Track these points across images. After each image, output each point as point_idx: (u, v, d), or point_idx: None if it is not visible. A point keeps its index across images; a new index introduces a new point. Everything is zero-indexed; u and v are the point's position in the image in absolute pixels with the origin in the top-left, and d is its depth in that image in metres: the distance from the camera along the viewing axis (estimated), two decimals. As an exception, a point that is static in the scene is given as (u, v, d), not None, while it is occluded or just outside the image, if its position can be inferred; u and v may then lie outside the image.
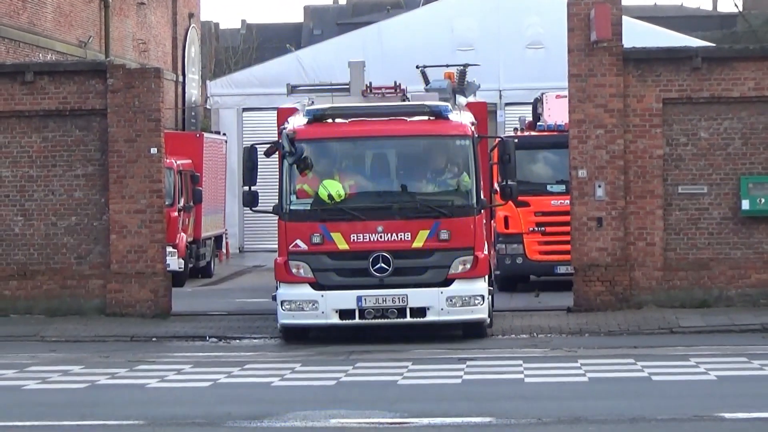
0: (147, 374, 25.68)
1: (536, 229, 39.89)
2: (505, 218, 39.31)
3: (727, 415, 19.09)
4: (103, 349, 30.14)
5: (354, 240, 26.68)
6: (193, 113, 66.79)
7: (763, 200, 33.19)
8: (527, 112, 46.14)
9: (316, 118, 28.33)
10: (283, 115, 30.47)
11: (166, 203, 37.39)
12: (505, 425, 18.88)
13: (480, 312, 27.48)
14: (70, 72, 37.24)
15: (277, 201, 28.18)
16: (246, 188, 28.86)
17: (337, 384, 23.75)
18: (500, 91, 53.12)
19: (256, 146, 29.18)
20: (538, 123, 42.20)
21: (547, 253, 39.74)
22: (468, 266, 26.72)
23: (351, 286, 27.00)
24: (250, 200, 28.92)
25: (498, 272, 38.57)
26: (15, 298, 35.14)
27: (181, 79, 65.37)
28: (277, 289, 29.15)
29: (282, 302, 27.51)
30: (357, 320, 27.10)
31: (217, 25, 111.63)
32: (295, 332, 29.35)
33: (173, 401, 22.55)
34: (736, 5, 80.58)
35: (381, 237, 26.51)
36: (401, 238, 26.47)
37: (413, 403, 21.30)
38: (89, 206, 35.25)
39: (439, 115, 27.39)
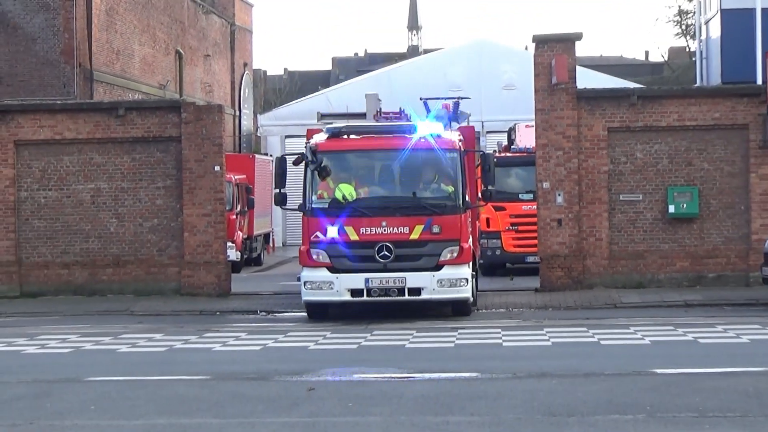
0: (212, 340, 25.72)
1: (511, 228, 40.24)
2: (487, 219, 39.64)
3: (659, 371, 19.27)
4: (178, 321, 30.08)
5: (363, 232, 27.13)
6: (246, 140, 66.72)
7: (684, 205, 33.18)
8: (503, 138, 46.04)
9: (334, 134, 28.90)
10: (311, 134, 30.61)
11: (227, 208, 37.34)
12: (487, 379, 18.95)
13: (464, 292, 27.73)
14: (152, 108, 37.19)
15: (301, 201, 28.45)
16: (277, 190, 29.34)
17: (359, 347, 23.84)
18: (482, 122, 52.87)
19: (286, 157, 29.51)
20: (512, 146, 42.50)
21: (520, 246, 39.98)
22: (455, 254, 27.17)
23: (360, 269, 27.24)
24: (280, 200, 29.40)
25: (481, 261, 38.47)
26: (110, 282, 35.05)
27: (238, 113, 65.25)
28: (301, 272, 29.24)
29: (305, 283, 27.82)
30: (365, 298, 27.35)
31: (265, 72, 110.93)
32: (316, 309, 29.05)
33: (232, 361, 22.62)
34: (663, 56, 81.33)
35: (385, 230, 27.05)
36: (401, 231, 27.03)
37: (417, 362, 21.30)
38: (168, 211, 35.15)
39: (425, 134, 27.83)
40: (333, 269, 27.33)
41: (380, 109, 33.56)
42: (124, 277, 35.24)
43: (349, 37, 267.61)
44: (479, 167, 30.61)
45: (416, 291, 27.28)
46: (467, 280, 27.54)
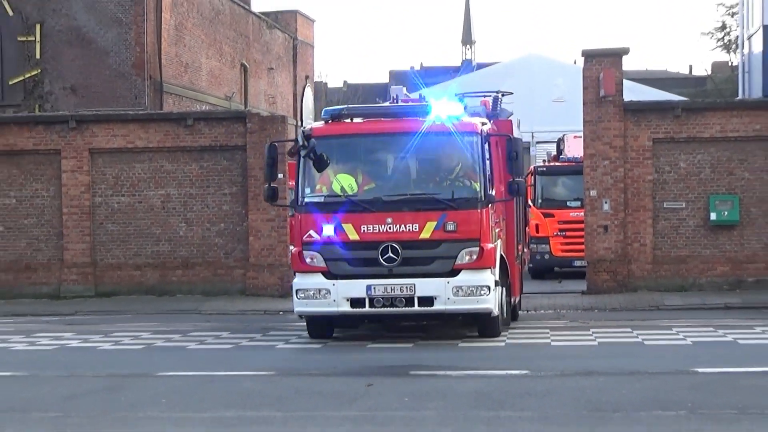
0: (276, 338, 25.66)
1: (559, 233, 40.21)
2: (536, 225, 39.61)
3: (700, 370, 19.19)
4: (243, 320, 30.20)
5: (364, 231, 21.46)
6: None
7: (726, 213, 33.19)
8: (553, 148, 46.11)
9: (334, 116, 23.48)
10: None
11: (289, 214, 37.31)
12: (537, 376, 18.87)
13: (486, 302, 21.85)
14: (219, 118, 37.37)
15: (293, 196, 23.61)
16: (266, 184, 23.54)
17: (414, 346, 23.39)
18: (533, 132, 52.87)
19: (275, 144, 24.54)
20: (560, 156, 42.56)
21: (567, 251, 40.00)
22: (474, 257, 21.46)
23: (361, 275, 21.59)
24: (271, 195, 23.70)
25: (530, 265, 38.52)
26: (180, 283, 35.29)
27: (299, 123, 65.22)
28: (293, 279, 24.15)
29: (296, 291, 22.26)
30: (367, 309, 21.64)
31: (326, 84, 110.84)
32: (315, 323, 23.69)
33: (295, 358, 22.63)
34: (706, 70, 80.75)
35: (390, 228, 21.28)
36: (409, 229, 21.30)
37: (469, 361, 21.18)
38: (233, 216, 35.34)
39: (439, 116, 22.28)
40: (329, 275, 21.83)
41: (397, 95, 26.76)
42: (192, 279, 35.51)
43: (406, 51, 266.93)
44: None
45: (427, 301, 21.52)
46: (489, 288, 21.69)
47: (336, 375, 19.38)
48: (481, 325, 23.78)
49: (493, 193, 23.09)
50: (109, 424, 15.35)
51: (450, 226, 20.87)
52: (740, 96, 41.47)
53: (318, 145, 21.39)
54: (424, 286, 20.96)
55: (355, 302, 21.24)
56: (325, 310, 21.39)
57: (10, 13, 43.04)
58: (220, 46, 52.10)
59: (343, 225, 20.90)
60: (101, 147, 36.18)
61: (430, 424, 14.83)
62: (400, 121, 22.94)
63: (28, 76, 43.11)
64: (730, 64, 58.34)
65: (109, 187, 36.01)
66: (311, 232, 21.43)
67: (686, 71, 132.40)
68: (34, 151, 36.31)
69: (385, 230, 21.02)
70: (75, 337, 26.15)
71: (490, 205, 22.22)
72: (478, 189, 21.58)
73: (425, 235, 20.78)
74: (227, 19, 53.54)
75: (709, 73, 66.82)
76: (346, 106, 24.66)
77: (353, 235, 21.02)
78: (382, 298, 21.13)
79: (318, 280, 21.28)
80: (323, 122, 23.16)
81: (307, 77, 67.06)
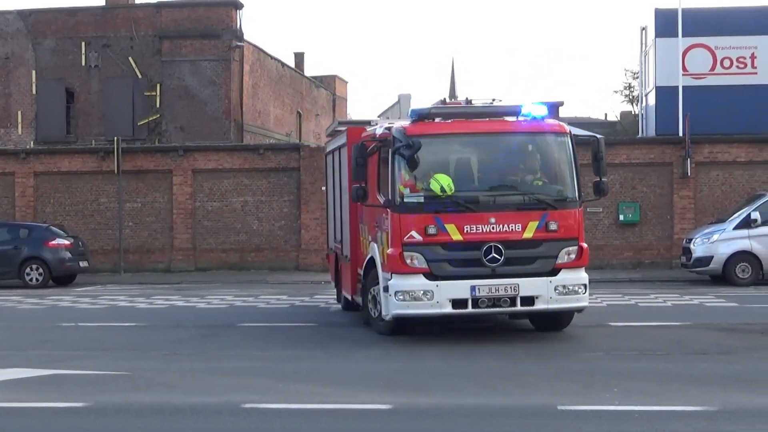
0: (319, 300, 25.38)
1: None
2: None
3: (612, 323, 18.87)
4: (297, 287, 29.98)
5: (467, 231, 15.43)
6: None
7: (630, 215, 33.98)
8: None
9: (422, 116, 16.69)
10: (353, 133, 18.79)
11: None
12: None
13: (583, 300, 16.51)
14: (281, 149, 37.58)
15: (384, 196, 16.33)
16: (357, 184, 16.53)
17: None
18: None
19: (365, 143, 16.70)
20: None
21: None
22: (573, 256, 16.00)
23: (464, 276, 15.57)
24: (362, 195, 16.43)
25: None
26: (253, 262, 35.21)
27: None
28: (359, 280, 18.44)
29: (396, 293, 15.67)
30: (470, 309, 15.70)
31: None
32: (403, 325, 16.74)
33: (333, 313, 22.15)
34: (616, 116, 77.78)
35: (493, 228, 15.42)
36: (512, 229, 15.51)
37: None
38: (290, 216, 35.28)
39: (530, 116, 16.66)
40: (431, 276, 15.56)
41: (444, 98, 20.07)
42: (261, 259, 35.44)
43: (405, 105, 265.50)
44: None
45: (529, 300, 15.84)
46: (586, 286, 16.44)
47: (361, 326, 19.21)
48: (554, 321, 17.42)
49: None
50: (204, 359, 15.35)
51: (552, 226, 15.53)
52: (640, 135, 41.25)
53: (419, 143, 15.54)
54: (527, 286, 15.47)
55: (458, 303, 15.36)
56: (427, 312, 15.41)
57: (140, 76, 43.10)
58: (283, 99, 52.17)
59: (445, 225, 15.15)
60: (200, 168, 36.08)
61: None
62: (495, 121, 16.86)
63: (150, 119, 43.11)
64: (633, 113, 58.30)
65: (205, 196, 35.91)
66: (413, 232, 15.29)
67: (602, 117, 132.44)
68: (154, 170, 36.30)
69: (488, 230, 15.29)
70: (180, 299, 26.09)
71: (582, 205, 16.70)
72: (574, 189, 16.16)
73: (528, 234, 15.40)
74: (288, 80, 53.65)
75: (619, 119, 66.60)
76: (432, 105, 18.04)
77: (456, 235, 15.23)
78: (487, 299, 15.43)
79: (420, 282, 15.26)
80: (411, 122, 16.58)
81: (338, 122, 67.13)
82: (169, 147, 37.71)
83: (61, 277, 31.61)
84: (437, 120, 16.70)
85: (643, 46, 40.43)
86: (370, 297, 17.14)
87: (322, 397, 11.90)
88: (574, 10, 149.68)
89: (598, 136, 16.81)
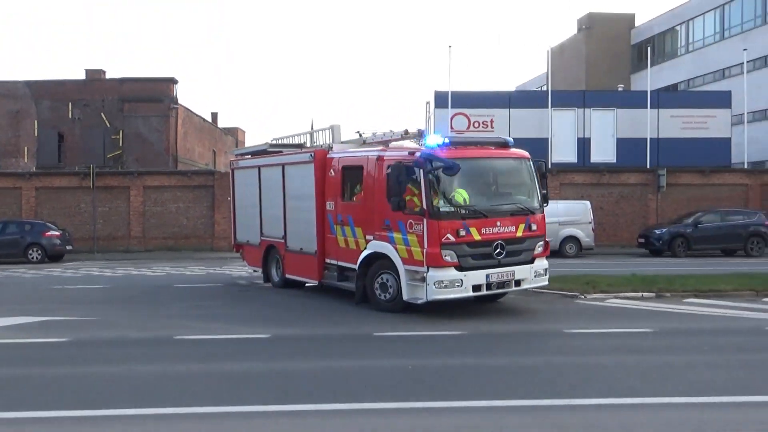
0: (227, 269, 24.28)
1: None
2: None
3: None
4: (212, 261, 28.80)
5: (484, 232, 13.51)
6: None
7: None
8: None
9: (444, 144, 13.93)
10: (319, 154, 15.89)
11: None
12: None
13: (546, 280, 14.58)
14: (202, 173, 36.24)
15: (418, 206, 13.38)
16: (396, 197, 13.56)
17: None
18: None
19: (403, 165, 13.59)
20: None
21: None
22: (541, 249, 14.33)
23: (481, 266, 13.51)
24: (400, 205, 13.46)
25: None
26: (183, 246, 33.95)
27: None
28: (326, 267, 15.74)
29: (435, 282, 13.14)
30: (484, 291, 13.60)
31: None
32: (410, 305, 13.89)
33: (240, 278, 21.25)
34: None
35: (499, 230, 13.67)
36: (510, 230, 13.81)
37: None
38: (209, 216, 34.31)
39: (512, 146, 14.79)
40: (460, 268, 13.38)
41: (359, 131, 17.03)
42: (189, 244, 34.38)
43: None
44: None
45: (519, 282, 14.07)
46: (547, 269, 14.59)
47: (256, 287, 18.79)
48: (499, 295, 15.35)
49: None
50: (149, 308, 14.75)
51: (533, 227, 14.02)
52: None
53: (457, 165, 13.20)
54: (519, 272, 13.81)
55: (476, 287, 13.38)
56: (456, 296, 13.28)
57: (108, 125, 41.65)
58: (203, 141, 51.11)
59: (470, 228, 13.35)
60: (149, 185, 34.72)
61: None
62: (500, 149, 14.62)
63: (116, 153, 41.61)
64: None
65: (152, 203, 34.67)
66: (448, 234, 13.15)
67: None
68: (117, 186, 34.76)
69: (496, 231, 13.56)
70: (135, 270, 25.09)
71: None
72: (540, 199, 14.46)
73: (519, 233, 13.86)
74: (207, 129, 52.62)
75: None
76: (451, 135, 15.51)
77: (477, 236, 13.42)
78: (496, 283, 13.64)
79: (453, 273, 13.16)
80: (442, 146, 13.78)
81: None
82: (128, 171, 36.17)
83: (53, 256, 30.15)
84: (453, 147, 13.85)
85: (427, 113, 41.15)
86: (377, 284, 13.97)
87: (230, 330, 11.82)
88: (378, 91, 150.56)
89: (539, 160, 14.86)
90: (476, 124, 37.30)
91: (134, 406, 7.35)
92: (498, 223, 13.50)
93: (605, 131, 37.79)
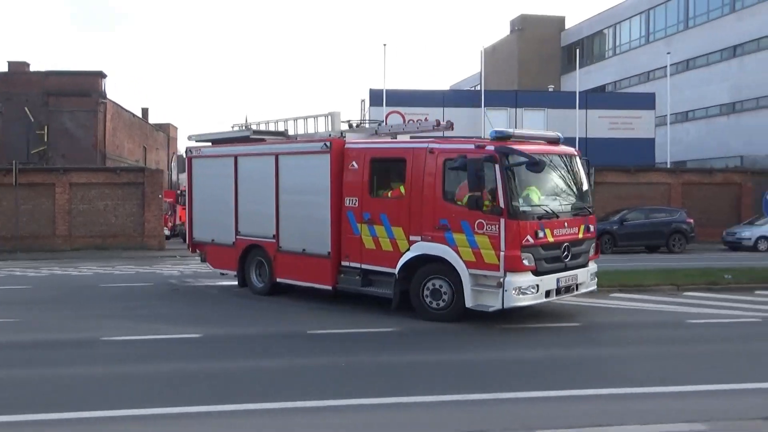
0: (158, 268, 23.83)
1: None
2: None
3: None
4: (142, 260, 28.18)
5: (556, 234, 12.01)
6: (174, 185, 64.35)
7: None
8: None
9: (501, 138, 12.22)
10: (337, 144, 13.81)
11: (163, 212, 35.57)
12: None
13: (595, 285, 13.28)
14: (131, 170, 35.39)
15: (490, 204, 11.60)
16: (475, 195, 11.58)
17: None
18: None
19: (479, 160, 11.56)
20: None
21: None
22: (593, 251, 12.98)
23: (553, 270, 12.03)
24: (482, 204, 11.57)
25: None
26: (111, 244, 33.05)
27: (170, 174, 63.11)
28: (340, 271, 13.53)
29: (514, 288, 11.44)
30: (553, 297, 12.18)
31: (182, 155, 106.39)
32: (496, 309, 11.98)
33: (170, 277, 20.71)
34: None
35: (566, 231, 12.22)
36: (574, 232, 12.37)
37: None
38: (138, 214, 33.53)
39: (562, 141, 13.35)
40: (536, 272, 11.75)
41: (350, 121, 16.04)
42: (117, 242, 33.42)
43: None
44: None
45: (578, 286, 12.65)
46: (595, 273, 13.24)
47: (192, 287, 18.41)
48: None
49: None
50: (73, 309, 14.31)
51: (590, 228, 12.73)
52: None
53: (540, 162, 11.84)
54: (580, 275, 12.53)
55: (548, 293, 11.94)
56: (532, 303, 11.76)
57: (32, 120, 40.04)
58: (133, 137, 49.93)
59: (545, 229, 11.80)
60: (76, 182, 33.53)
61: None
62: (560, 146, 13.11)
63: (40, 149, 40.12)
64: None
65: (78, 201, 33.54)
66: (528, 236, 11.53)
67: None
68: (42, 183, 33.45)
69: (564, 233, 12.10)
70: (59, 270, 24.27)
71: None
72: (591, 198, 13.19)
73: (580, 235, 12.45)
74: (137, 125, 51.41)
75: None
76: (508, 129, 12.82)
77: (550, 238, 11.84)
78: (564, 288, 12.21)
79: (530, 278, 11.58)
80: (491, 140, 12.23)
81: (173, 153, 64.94)
82: (53, 168, 34.83)
83: (-27, 256, 28.81)
84: (510, 141, 12.26)
85: (362, 111, 41.20)
86: (427, 291, 12.34)
87: (161, 331, 11.56)
88: (313, 88, 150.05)
89: (587, 158, 13.53)
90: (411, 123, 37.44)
91: (55, 410, 7.10)
92: (565, 224, 12.19)
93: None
